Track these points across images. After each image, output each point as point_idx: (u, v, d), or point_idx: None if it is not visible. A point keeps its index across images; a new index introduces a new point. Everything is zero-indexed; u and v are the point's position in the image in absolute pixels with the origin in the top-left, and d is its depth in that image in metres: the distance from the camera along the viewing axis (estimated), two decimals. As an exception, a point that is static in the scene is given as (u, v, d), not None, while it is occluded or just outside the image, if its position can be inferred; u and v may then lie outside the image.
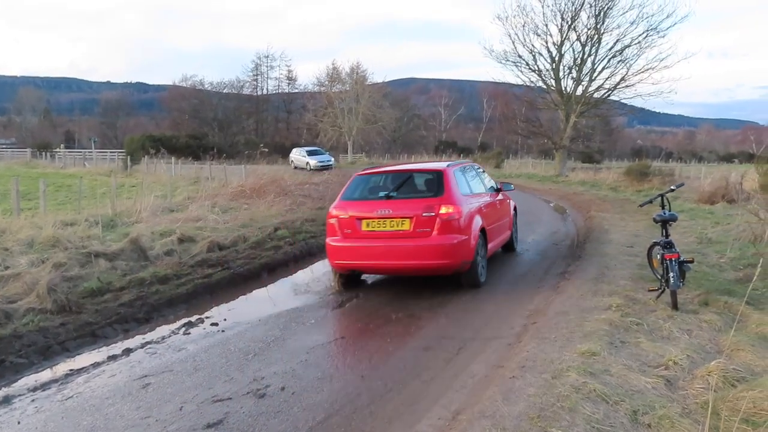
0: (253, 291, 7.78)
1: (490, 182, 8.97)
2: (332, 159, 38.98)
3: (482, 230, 7.36)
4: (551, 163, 34.22)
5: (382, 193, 7.21)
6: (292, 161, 39.07)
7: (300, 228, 11.81)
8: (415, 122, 71.60)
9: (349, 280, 7.62)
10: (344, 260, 7.06)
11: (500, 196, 8.89)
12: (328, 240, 7.22)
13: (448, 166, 7.48)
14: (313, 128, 59.20)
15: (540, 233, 11.58)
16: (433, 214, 6.73)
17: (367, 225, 6.93)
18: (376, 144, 60.74)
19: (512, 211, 9.71)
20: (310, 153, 38.73)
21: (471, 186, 7.81)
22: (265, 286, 8.07)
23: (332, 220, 7.19)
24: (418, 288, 7.42)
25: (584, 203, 17.21)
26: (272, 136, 65.47)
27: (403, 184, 7.33)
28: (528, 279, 7.63)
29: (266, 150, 26.93)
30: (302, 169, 35.51)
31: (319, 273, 8.75)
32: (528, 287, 7.17)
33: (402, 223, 6.78)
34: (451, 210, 6.78)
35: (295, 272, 8.90)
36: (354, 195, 7.35)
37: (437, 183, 7.14)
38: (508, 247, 9.51)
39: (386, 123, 56.70)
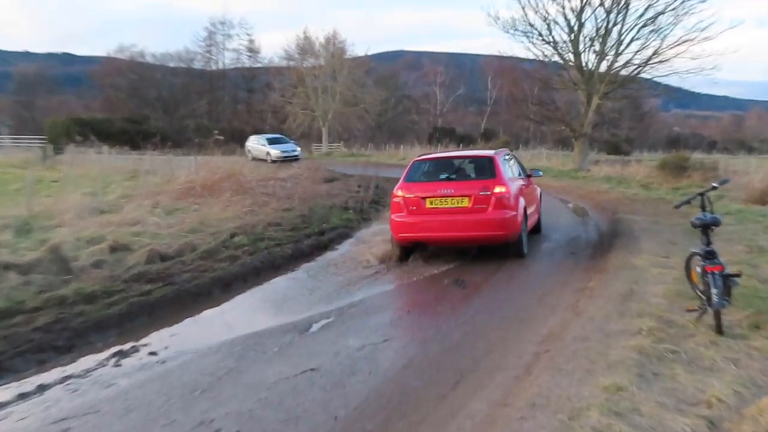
0: (203, 312, 7.70)
1: (522, 169, 11.65)
2: (299, 149, 38.84)
3: (524, 209, 9.96)
4: (569, 155, 34.52)
5: (442, 176, 9.91)
6: (249, 151, 38.80)
7: (262, 234, 11.75)
8: (405, 104, 71.85)
9: (407, 253, 10.09)
10: (410, 233, 9.72)
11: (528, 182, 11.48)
12: (393, 216, 9.88)
13: (495, 153, 10.37)
14: (279, 111, 59.04)
15: (556, 240, 11.63)
16: (489, 192, 9.37)
17: (431, 203, 9.56)
18: (356, 131, 60.72)
19: (539, 197, 12.51)
20: (272, 141, 38.42)
21: (512, 171, 10.61)
22: (218, 305, 8.00)
23: (397, 199, 9.83)
24: (404, 307, 7.39)
25: (609, 204, 17.35)
26: (229, 121, 65.16)
27: (459, 168, 10.15)
28: (541, 295, 7.65)
29: (221, 137, 26.70)
30: (262, 160, 35.35)
31: (283, 287, 8.71)
32: (540, 306, 7.18)
33: (462, 201, 9.43)
34: (503, 190, 9.45)
35: (255, 287, 8.84)
36: (416, 177, 10.04)
37: (489, 167, 9.83)
38: (535, 230, 11.66)
39: (369, 105, 56.59)
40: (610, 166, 29.08)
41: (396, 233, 9.86)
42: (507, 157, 10.89)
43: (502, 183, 9.51)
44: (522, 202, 9.91)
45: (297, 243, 11.45)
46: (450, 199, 9.45)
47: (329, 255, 11.19)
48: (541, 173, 12.57)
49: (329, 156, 46.50)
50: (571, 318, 6.47)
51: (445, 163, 10.34)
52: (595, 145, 40.31)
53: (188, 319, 7.39)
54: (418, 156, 10.85)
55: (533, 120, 40.53)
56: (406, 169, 10.28)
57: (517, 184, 10.18)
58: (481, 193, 9.35)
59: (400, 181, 10.08)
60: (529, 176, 11.69)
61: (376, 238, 12.08)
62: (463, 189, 9.49)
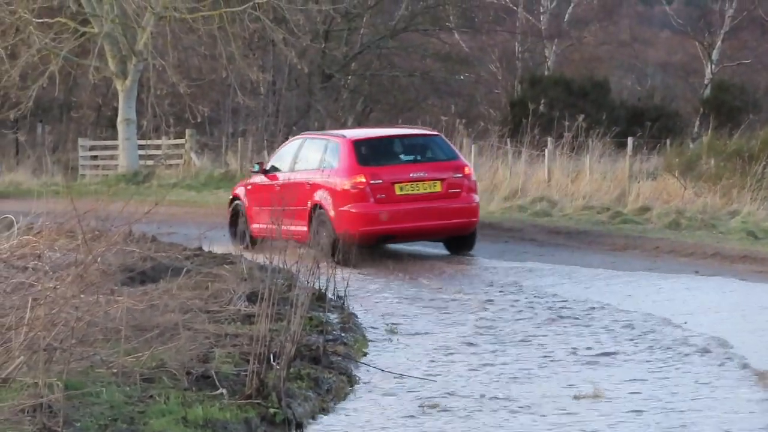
0: None
1: None
2: None
3: None
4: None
5: (407, 157, 9.64)
6: None
7: None
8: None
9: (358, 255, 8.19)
10: (378, 226, 9.09)
11: None
12: (347, 208, 8.96)
13: (431, 130, 11.14)
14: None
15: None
16: (462, 175, 9.37)
17: (401, 189, 9.11)
18: (243, 104, 21.72)
19: None
20: None
21: None
22: None
23: (355, 187, 8.98)
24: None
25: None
26: None
27: (414, 148, 9.84)
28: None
29: None
30: None
31: None
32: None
33: (434, 186, 9.16)
34: (470, 171, 9.65)
35: None
36: (371, 160, 9.35)
37: (444, 146, 9.85)
38: None
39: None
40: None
41: (357, 227, 8.79)
42: None
43: (467, 164, 9.73)
44: None
45: None
46: (422, 183, 9.18)
47: None
48: None
49: (143, 185, 18.22)
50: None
51: (395, 143, 9.93)
52: None
53: None
54: (352, 137, 9.76)
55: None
56: (347, 151, 9.29)
57: None
58: (455, 176, 9.28)
59: (345, 164, 9.25)
60: None
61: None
62: (435, 171, 9.28)
